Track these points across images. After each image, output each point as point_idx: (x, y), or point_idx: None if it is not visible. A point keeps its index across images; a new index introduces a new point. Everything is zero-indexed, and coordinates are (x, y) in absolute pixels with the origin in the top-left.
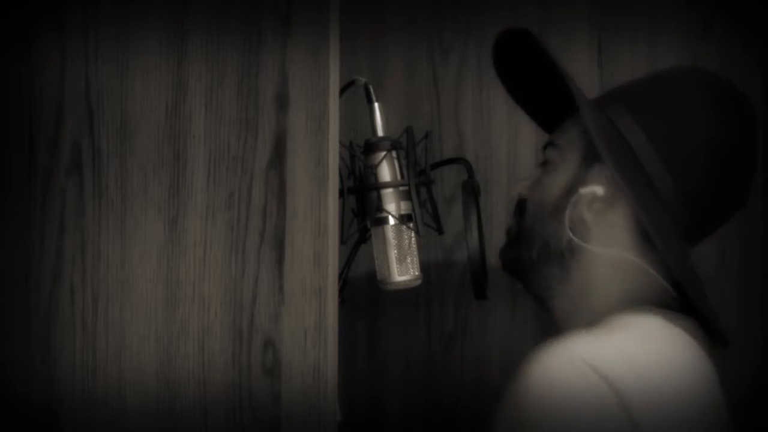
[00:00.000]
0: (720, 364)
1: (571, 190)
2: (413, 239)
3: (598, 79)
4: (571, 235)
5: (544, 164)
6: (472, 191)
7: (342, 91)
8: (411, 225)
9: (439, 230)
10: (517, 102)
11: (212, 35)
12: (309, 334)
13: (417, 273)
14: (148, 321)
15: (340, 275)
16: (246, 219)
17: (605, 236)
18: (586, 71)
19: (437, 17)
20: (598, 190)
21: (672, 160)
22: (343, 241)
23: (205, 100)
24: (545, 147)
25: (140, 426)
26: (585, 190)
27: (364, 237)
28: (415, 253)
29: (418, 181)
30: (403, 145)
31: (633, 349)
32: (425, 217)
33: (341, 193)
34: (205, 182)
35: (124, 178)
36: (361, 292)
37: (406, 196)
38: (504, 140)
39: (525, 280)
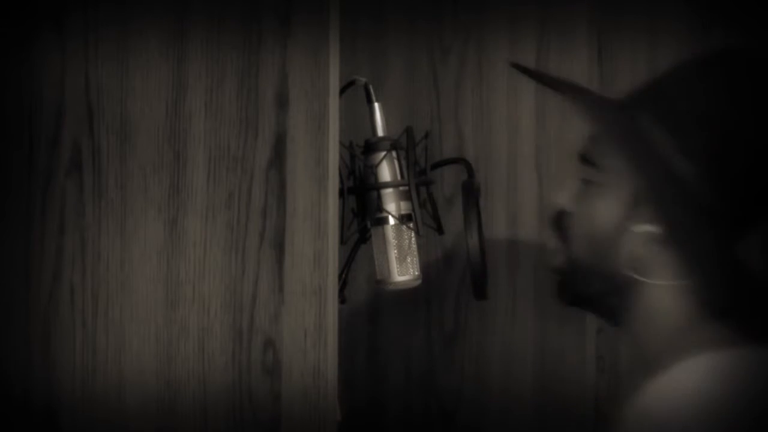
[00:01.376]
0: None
1: (623, 225)
2: (413, 239)
3: (598, 78)
4: (628, 273)
5: (587, 182)
6: (472, 191)
7: (342, 91)
8: (411, 225)
9: (439, 230)
10: None
11: (212, 35)
12: (309, 334)
13: (417, 273)
14: (148, 321)
15: (340, 275)
16: (246, 219)
17: (662, 268)
18: (586, 71)
19: (437, 17)
20: (652, 228)
21: (714, 175)
22: (343, 241)
23: (205, 100)
24: (582, 158)
25: (140, 426)
26: (639, 229)
27: (364, 237)
28: (415, 253)
29: (418, 181)
30: (403, 145)
31: None
32: (425, 217)
33: (341, 193)
34: (205, 182)
35: (124, 178)
36: (361, 292)
37: (406, 196)
38: (504, 140)
39: (589, 310)
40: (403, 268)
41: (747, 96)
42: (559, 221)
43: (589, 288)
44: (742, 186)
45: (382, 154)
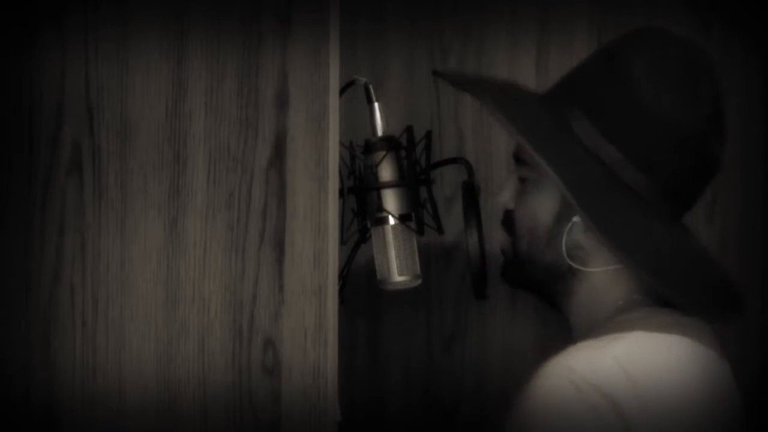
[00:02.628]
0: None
1: (561, 216)
2: (413, 239)
3: None
4: (569, 261)
5: (523, 180)
6: (472, 191)
7: (342, 91)
8: (411, 225)
9: (439, 230)
10: None
11: (212, 35)
12: (309, 334)
13: (417, 273)
14: (148, 321)
15: (340, 275)
16: (246, 219)
17: (603, 256)
18: None
19: (437, 17)
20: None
21: (643, 160)
22: (343, 241)
23: (205, 100)
24: (515, 158)
25: (140, 426)
26: (578, 219)
27: (364, 237)
28: (415, 253)
29: (418, 181)
30: (403, 145)
31: (628, 359)
32: (425, 217)
33: (341, 193)
34: (205, 182)
35: (124, 178)
36: (361, 292)
37: (406, 196)
38: (504, 140)
39: (533, 293)
40: (403, 268)
41: (668, 77)
42: (507, 219)
43: (533, 276)
44: (672, 169)
45: (382, 154)
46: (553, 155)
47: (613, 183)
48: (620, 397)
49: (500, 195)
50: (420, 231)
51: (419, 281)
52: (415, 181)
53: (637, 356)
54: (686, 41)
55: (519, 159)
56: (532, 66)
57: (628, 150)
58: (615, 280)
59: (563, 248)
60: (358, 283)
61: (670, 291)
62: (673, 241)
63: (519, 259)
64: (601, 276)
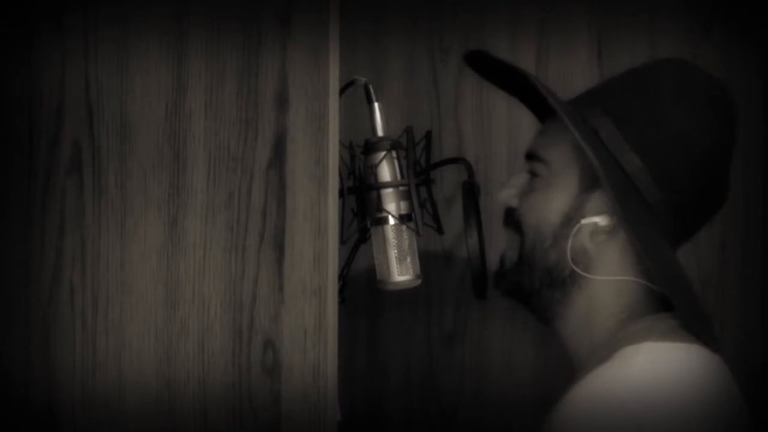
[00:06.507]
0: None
1: (570, 218)
2: (413, 239)
3: (599, 79)
4: (573, 266)
5: (533, 175)
6: (472, 191)
7: (342, 91)
8: (411, 225)
9: (439, 230)
10: (502, 89)
11: (212, 35)
12: (309, 334)
13: (417, 273)
14: (148, 321)
15: (340, 275)
16: (246, 219)
17: (607, 263)
18: (586, 71)
19: (437, 17)
20: (601, 220)
21: (660, 174)
22: (343, 241)
23: (205, 100)
24: (529, 156)
25: (140, 426)
26: (587, 221)
27: (364, 237)
28: (415, 253)
29: (418, 181)
30: (403, 145)
31: (645, 377)
32: (425, 217)
33: (341, 193)
34: (205, 182)
35: (124, 178)
36: (361, 292)
37: (406, 196)
38: (504, 140)
39: (526, 304)
40: (403, 268)
41: (692, 99)
42: (508, 217)
43: (531, 282)
44: (685, 190)
45: (382, 154)
46: (596, 152)
47: (630, 190)
48: (640, 412)
49: (502, 193)
50: (420, 231)
51: (419, 281)
52: (415, 181)
53: (653, 369)
54: (710, 75)
55: (534, 156)
56: (532, 66)
57: (648, 160)
58: (617, 291)
59: (568, 251)
60: (358, 283)
61: (680, 305)
62: (675, 261)
63: (520, 261)
64: (602, 286)
